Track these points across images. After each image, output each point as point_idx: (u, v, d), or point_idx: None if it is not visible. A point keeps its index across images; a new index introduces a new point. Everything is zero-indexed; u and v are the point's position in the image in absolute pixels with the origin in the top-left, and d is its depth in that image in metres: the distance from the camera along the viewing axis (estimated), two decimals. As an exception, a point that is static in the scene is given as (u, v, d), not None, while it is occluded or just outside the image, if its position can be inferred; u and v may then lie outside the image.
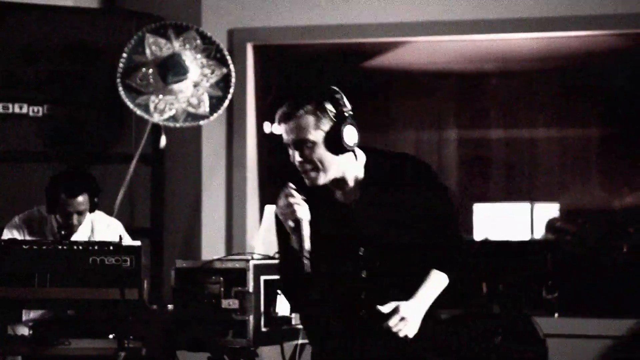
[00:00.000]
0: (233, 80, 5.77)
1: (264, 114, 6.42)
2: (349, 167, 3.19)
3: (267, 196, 6.40)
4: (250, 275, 4.31)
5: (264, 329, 4.35)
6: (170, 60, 5.70)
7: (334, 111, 3.10)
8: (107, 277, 4.23)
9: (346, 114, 3.11)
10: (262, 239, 4.62)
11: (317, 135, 3.10)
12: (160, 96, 5.72)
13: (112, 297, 4.24)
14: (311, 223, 3.18)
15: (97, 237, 4.79)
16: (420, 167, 3.24)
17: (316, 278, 3.21)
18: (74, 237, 4.73)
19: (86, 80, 6.01)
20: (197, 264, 4.50)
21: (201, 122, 5.79)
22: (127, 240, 4.85)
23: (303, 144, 3.11)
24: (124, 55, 5.71)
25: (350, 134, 3.12)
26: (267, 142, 6.50)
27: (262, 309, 4.35)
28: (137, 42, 5.73)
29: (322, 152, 3.12)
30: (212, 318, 4.34)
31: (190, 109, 5.74)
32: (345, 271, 3.19)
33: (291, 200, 3.17)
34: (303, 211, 3.17)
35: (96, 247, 4.25)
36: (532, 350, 3.60)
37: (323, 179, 3.15)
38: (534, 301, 5.70)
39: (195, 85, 5.75)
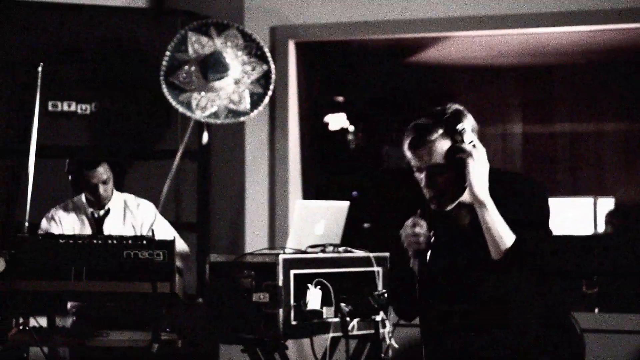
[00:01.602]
0: (273, 77, 5.84)
1: (307, 110, 6.48)
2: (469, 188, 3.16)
3: (308, 191, 6.47)
4: (280, 270, 4.37)
5: (293, 322, 4.41)
6: (211, 58, 5.79)
7: (456, 134, 3.10)
8: (141, 270, 4.33)
9: (471, 139, 3.11)
10: (293, 234, 4.67)
11: (444, 158, 3.11)
12: (203, 93, 5.81)
13: (145, 291, 4.34)
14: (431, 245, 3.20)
15: (129, 216, 4.91)
16: (534, 187, 3.24)
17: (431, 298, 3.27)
18: (110, 219, 4.84)
19: (133, 78, 6.13)
20: (230, 258, 4.58)
21: (242, 119, 5.87)
22: (160, 223, 4.98)
23: (434, 171, 3.12)
24: (167, 53, 5.82)
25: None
26: (315, 138, 6.56)
27: (292, 302, 4.41)
28: (179, 41, 5.83)
29: (452, 176, 3.12)
30: (244, 311, 4.42)
31: (232, 106, 5.83)
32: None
33: (418, 230, 3.17)
34: (427, 242, 3.18)
35: (130, 242, 4.35)
36: (569, 346, 3.58)
37: (453, 204, 3.17)
38: (574, 296, 5.69)
39: (237, 82, 5.84)
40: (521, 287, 3.23)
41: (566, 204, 7.59)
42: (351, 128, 8.31)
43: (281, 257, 4.39)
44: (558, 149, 8.04)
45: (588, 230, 7.38)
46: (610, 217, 7.64)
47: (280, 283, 4.37)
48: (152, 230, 4.49)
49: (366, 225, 7.39)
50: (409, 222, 3.20)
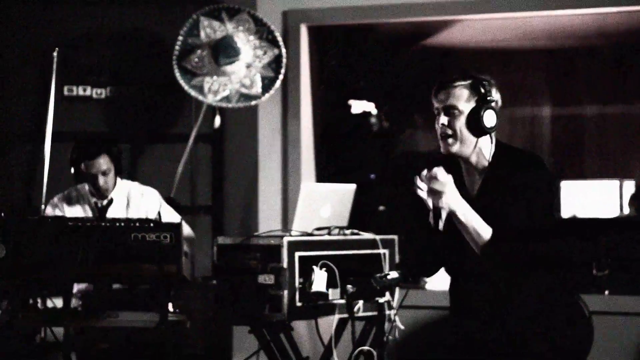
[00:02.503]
0: (284, 60, 5.88)
1: (319, 94, 6.51)
2: (479, 153, 3.49)
3: (321, 174, 6.51)
4: (285, 252, 4.41)
5: (298, 304, 4.45)
6: (222, 42, 5.84)
7: (484, 95, 3.44)
8: (148, 253, 4.37)
9: (492, 101, 3.45)
10: (299, 217, 4.71)
11: (465, 107, 3.46)
12: (215, 77, 5.86)
13: (152, 273, 4.39)
14: None
15: (133, 206, 4.95)
16: (544, 172, 3.44)
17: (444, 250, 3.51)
18: (113, 209, 4.88)
19: (147, 62, 6.19)
20: (236, 240, 4.63)
21: (253, 103, 5.92)
22: (166, 209, 5.01)
23: (452, 110, 3.46)
24: (180, 38, 5.87)
25: (489, 119, 3.43)
26: (334, 121, 6.58)
27: (296, 284, 4.45)
28: (192, 25, 5.88)
29: (463, 124, 3.45)
30: (250, 293, 4.47)
31: (243, 90, 5.88)
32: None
33: (437, 187, 3.40)
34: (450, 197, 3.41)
35: (137, 224, 4.39)
36: (577, 327, 3.61)
37: (457, 148, 3.48)
38: (584, 278, 5.69)
39: (248, 66, 5.88)
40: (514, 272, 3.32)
41: (592, 187, 7.56)
42: (374, 111, 8.32)
43: (285, 239, 4.43)
44: (585, 132, 8.02)
45: (614, 213, 7.34)
46: (634, 200, 7.61)
47: (285, 265, 4.42)
48: (159, 213, 4.53)
49: (381, 208, 7.41)
50: (430, 173, 3.43)
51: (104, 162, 4.87)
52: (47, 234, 4.37)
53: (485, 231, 3.37)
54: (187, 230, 4.90)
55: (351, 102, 8.13)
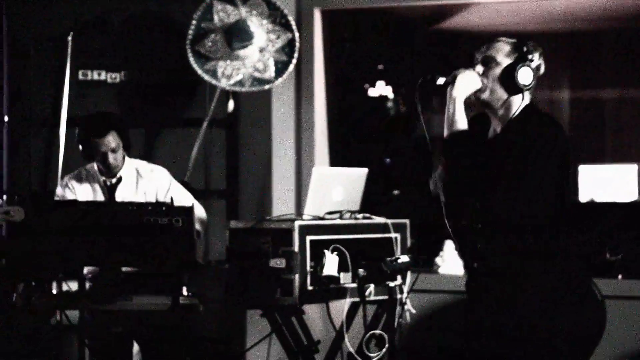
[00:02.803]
0: (297, 44, 5.88)
1: (332, 77, 6.51)
2: (507, 109, 3.47)
3: (335, 158, 6.52)
4: (296, 235, 4.43)
5: (310, 288, 4.47)
6: (235, 26, 5.84)
7: (524, 53, 3.47)
8: (160, 236, 4.39)
9: (531, 61, 3.46)
10: (310, 201, 4.72)
11: (503, 60, 3.46)
12: (228, 62, 5.87)
13: (164, 256, 4.41)
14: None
15: (142, 183, 4.95)
16: (555, 131, 3.40)
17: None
18: (122, 187, 4.89)
19: (161, 46, 6.21)
20: (248, 224, 4.65)
21: (267, 87, 5.93)
22: (176, 188, 5.03)
23: (489, 60, 3.47)
24: (193, 22, 5.88)
25: (524, 76, 3.43)
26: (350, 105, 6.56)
27: (308, 268, 4.47)
28: (205, 10, 5.89)
29: (497, 76, 3.45)
30: (262, 277, 4.50)
31: (257, 74, 5.88)
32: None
33: (459, 75, 3.45)
34: None
35: (150, 208, 4.41)
36: (589, 312, 3.59)
37: (486, 96, 3.46)
38: (597, 262, 5.68)
39: (261, 50, 5.88)
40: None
41: (611, 171, 7.54)
42: (391, 95, 8.31)
43: (297, 223, 4.45)
44: (605, 115, 8.00)
45: (632, 197, 7.33)
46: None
47: (296, 249, 4.43)
48: (171, 198, 4.54)
49: (396, 192, 7.42)
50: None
51: (112, 139, 4.85)
52: (60, 218, 4.39)
53: (462, 123, 3.41)
54: (199, 211, 4.92)
55: (368, 86, 8.13)
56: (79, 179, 4.97)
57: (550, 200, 3.35)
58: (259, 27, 5.88)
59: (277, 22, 5.91)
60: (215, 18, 5.89)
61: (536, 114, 3.46)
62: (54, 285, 4.61)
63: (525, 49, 3.47)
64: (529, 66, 3.45)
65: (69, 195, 4.91)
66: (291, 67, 5.90)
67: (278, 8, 5.91)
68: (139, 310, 4.51)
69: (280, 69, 5.89)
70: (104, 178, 4.91)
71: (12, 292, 4.52)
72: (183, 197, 4.91)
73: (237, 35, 5.83)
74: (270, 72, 5.89)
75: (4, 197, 4.29)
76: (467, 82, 3.44)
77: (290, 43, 5.89)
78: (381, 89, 8.25)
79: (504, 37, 3.51)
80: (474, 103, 3.50)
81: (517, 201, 3.31)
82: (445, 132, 3.47)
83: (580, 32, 7.22)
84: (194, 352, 4.82)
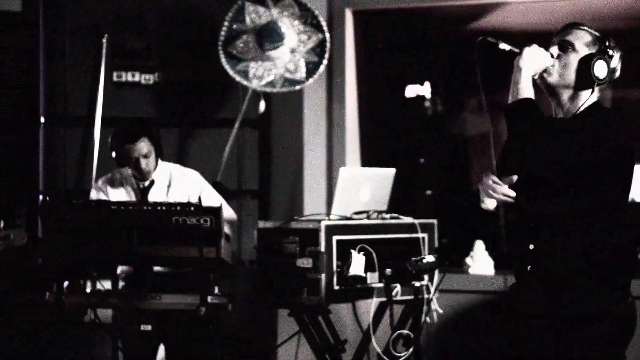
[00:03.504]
0: (328, 45, 5.91)
1: (364, 78, 6.52)
2: (574, 100, 3.31)
3: (367, 158, 6.54)
4: (322, 235, 4.46)
5: (336, 287, 4.50)
6: (266, 28, 5.88)
7: (605, 48, 3.28)
8: (188, 236, 4.44)
9: (610, 57, 3.29)
10: (337, 201, 4.75)
11: (581, 48, 3.29)
12: (259, 63, 5.91)
13: (192, 255, 4.45)
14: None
15: (174, 187, 5.01)
16: (617, 120, 3.27)
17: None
18: (154, 190, 4.96)
19: (195, 48, 6.26)
20: (276, 224, 4.69)
21: (297, 87, 5.96)
22: (207, 191, 5.08)
23: (567, 44, 3.30)
24: (225, 24, 5.93)
25: (599, 69, 3.27)
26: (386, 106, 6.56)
27: (334, 268, 4.50)
28: (237, 11, 5.93)
29: (572, 63, 3.28)
30: (289, 276, 4.53)
31: (288, 75, 5.92)
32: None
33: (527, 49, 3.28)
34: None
35: (178, 208, 4.46)
36: (620, 311, 3.57)
37: (554, 79, 3.29)
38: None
39: (292, 51, 5.92)
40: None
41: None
42: (428, 95, 8.30)
43: (323, 223, 4.48)
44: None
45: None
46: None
47: (323, 249, 4.46)
48: (200, 198, 4.59)
49: (428, 192, 7.40)
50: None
51: (144, 146, 4.94)
52: (91, 218, 4.46)
53: (529, 92, 3.24)
54: (228, 212, 4.97)
55: (408, 87, 8.12)
56: (112, 183, 5.07)
57: (614, 198, 3.25)
58: (290, 28, 5.92)
59: (308, 22, 5.94)
60: (247, 19, 5.93)
61: (606, 111, 3.31)
62: (89, 284, 4.69)
63: (607, 44, 3.30)
64: (607, 62, 3.28)
65: (103, 198, 5.00)
66: (322, 68, 5.93)
67: (309, 9, 5.94)
68: (168, 309, 4.58)
69: (311, 69, 5.91)
70: (137, 181, 4.99)
71: (46, 291, 4.60)
72: (213, 200, 4.97)
73: (268, 36, 5.87)
74: (301, 73, 5.92)
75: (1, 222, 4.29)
76: (536, 57, 3.27)
77: (321, 44, 5.92)
78: (418, 88, 8.24)
79: (585, 27, 3.35)
80: (536, 85, 3.32)
81: (582, 195, 3.20)
82: (511, 99, 3.26)
83: (613, 31, 7.14)
84: (223, 350, 4.86)
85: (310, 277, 4.47)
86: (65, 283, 4.57)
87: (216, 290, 4.56)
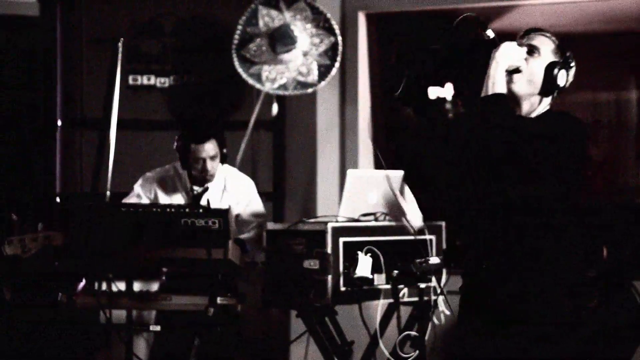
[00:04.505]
0: (340, 48, 5.94)
1: (377, 81, 6.54)
2: (533, 104, 3.40)
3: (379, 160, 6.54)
4: (329, 237, 4.49)
5: (342, 289, 4.52)
6: (279, 31, 5.92)
7: (567, 58, 3.38)
8: (197, 238, 4.48)
9: (570, 67, 3.40)
10: (345, 203, 4.77)
11: (545, 52, 3.38)
12: (272, 66, 5.96)
13: (201, 257, 4.50)
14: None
15: (229, 190, 5.05)
16: (574, 126, 3.35)
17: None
18: (209, 193, 4.99)
19: (209, 51, 6.32)
20: (284, 226, 4.72)
21: (310, 90, 6.00)
22: (256, 200, 5.13)
23: (534, 50, 3.37)
24: (239, 27, 5.98)
25: (562, 78, 3.37)
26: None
27: (341, 269, 4.52)
28: (250, 15, 5.98)
29: (539, 68, 3.36)
30: (296, 277, 4.57)
31: (300, 78, 5.96)
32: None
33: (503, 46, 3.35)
34: None
35: (187, 210, 4.51)
36: (629, 315, 3.59)
37: (522, 90, 3.36)
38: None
39: (305, 54, 5.96)
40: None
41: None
42: (449, 97, 8.30)
43: (330, 225, 4.51)
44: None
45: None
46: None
47: (329, 250, 4.49)
48: (208, 200, 4.64)
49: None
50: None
51: (212, 147, 4.95)
52: (103, 220, 4.51)
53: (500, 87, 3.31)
54: (258, 206, 5.02)
55: (430, 89, 8.12)
56: (165, 178, 5.06)
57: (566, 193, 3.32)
58: (303, 32, 5.96)
59: (321, 26, 5.98)
60: (261, 23, 5.98)
61: (559, 113, 3.41)
62: (104, 285, 4.74)
63: (567, 54, 3.41)
64: (568, 71, 3.40)
65: (144, 197, 5.02)
66: (334, 71, 5.96)
67: (321, 12, 5.98)
68: (177, 310, 4.63)
69: (323, 72, 5.95)
70: (191, 185, 4.99)
71: (59, 291, 4.66)
72: (255, 209, 5.02)
73: (281, 39, 5.91)
74: (314, 76, 5.96)
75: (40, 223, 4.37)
76: (512, 54, 3.33)
77: (334, 47, 5.96)
78: (440, 90, 8.24)
79: (548, 34, 3.43)
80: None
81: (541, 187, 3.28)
82: (484, 92, 3.33)
83: (625, 33, 7.14)
84: (235, 351, 4.90)
85: (317, 278, 4.50)
86: (81, 284, 4.63)
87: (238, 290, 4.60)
